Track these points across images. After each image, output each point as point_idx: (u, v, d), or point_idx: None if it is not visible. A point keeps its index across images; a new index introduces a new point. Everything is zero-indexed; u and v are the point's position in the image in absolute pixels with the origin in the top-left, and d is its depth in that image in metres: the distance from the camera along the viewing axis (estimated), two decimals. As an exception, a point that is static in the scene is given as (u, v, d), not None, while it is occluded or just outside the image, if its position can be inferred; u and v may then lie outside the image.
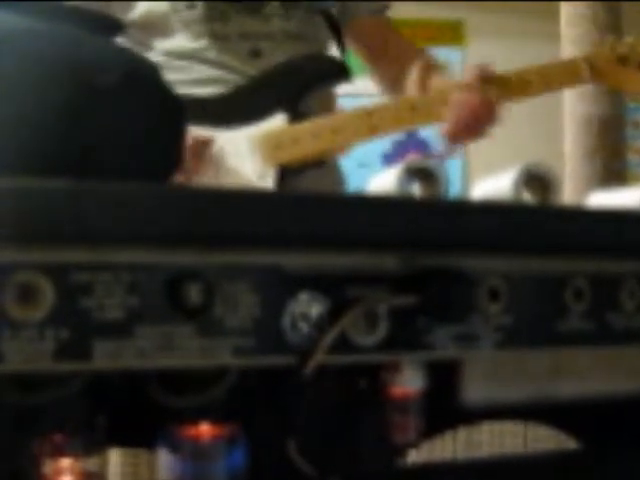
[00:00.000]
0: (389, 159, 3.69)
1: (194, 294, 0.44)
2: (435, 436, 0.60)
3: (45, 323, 0.41)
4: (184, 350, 0.44)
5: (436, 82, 1.33)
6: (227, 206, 0.45)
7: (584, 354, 0.59)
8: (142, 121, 0.53)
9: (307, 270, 0.48)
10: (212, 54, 1.28)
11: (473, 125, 1.25)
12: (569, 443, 0.66)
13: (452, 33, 3.87)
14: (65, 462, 0.47)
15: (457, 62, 3.74)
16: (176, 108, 0.55)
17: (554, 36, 2.44)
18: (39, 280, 0.41)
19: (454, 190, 3.65)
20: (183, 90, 1.27)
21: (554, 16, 2.48)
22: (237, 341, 0.46)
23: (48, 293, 0.41)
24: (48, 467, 0.46)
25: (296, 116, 1.27)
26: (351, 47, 1.46)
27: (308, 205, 0.47)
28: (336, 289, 0.48)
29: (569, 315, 0.55)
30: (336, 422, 0.56)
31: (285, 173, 1.26)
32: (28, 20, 0.49)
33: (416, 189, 0.56)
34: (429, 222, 0.50)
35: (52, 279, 0.42)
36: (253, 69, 1.28)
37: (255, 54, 1.28)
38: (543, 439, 0.65)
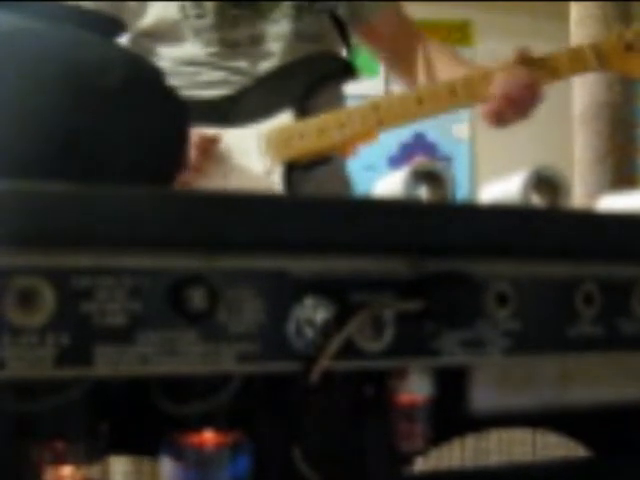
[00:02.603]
0: (395, 162, 3.69)
1: (197, 299, 0.44)
2: (443, 444, 0.59)
3: (46, 328, 0.41)
4: (187, 356, 0.44)
5: (470, 67, 1.34)
6: (231, 210, 0.44)
7: (594, 360, 0.58)
8: (144, 123, 0.52)
9: (312, 275, 0.47)
10: (222, 60, 1.29)
11: (520, 103, 1.25)
12: (579, 451, 0.65)
13: (460, 33, 3.87)
14: (66, 470, 0.46)
15: (466, 62, 3.74)
16: (179, 109, 0.55)
17: (563, 36, 2.43)
18: (39, 284, 0.41)
19: (462, 193, 3.65)
20: (192, 93, 1.29)
21: (563, 16, 2.48)
22: (241, 347, 0.45)
23: (49, 298, 0.41)
24: (49, 475, 0.46)
25: (303, 115, 1.27)
26: (368, 48, 1.47)
27: (313, 209, 0.47)
28: (342, 294, 0.47)
29: (579, 320, 0.54)
30: (342, 429, 0.55)
31: (292, 170, 1.27)
32: (28, 20, 0.49)
33: (423, 192, 0.56)
34: (436, 226, 0.49)
35: (53, 283, 0.41)
36: (263, 71, 1.28)
37: (267, 55, 1.29)
38: (552, 447, 0.64)
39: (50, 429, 0.46)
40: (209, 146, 1.25)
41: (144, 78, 0.52)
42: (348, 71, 1.34)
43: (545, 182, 0.58)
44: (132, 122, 0.51)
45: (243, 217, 0.45)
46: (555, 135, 3.17)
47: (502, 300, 0.52)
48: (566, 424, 0.64)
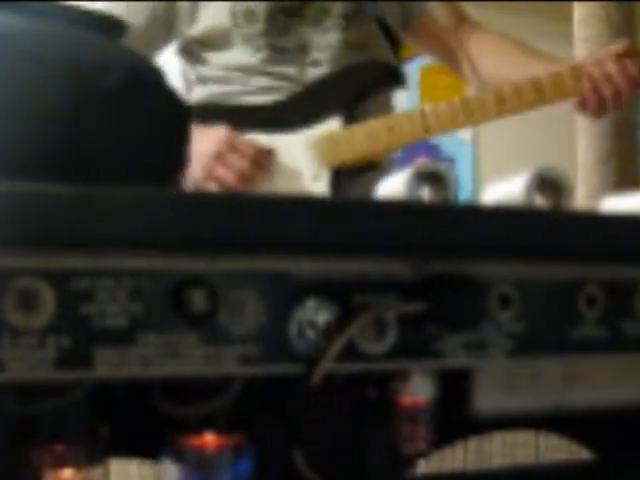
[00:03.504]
0: (398, 163, 3.69)
1: (198, 301, 0.44)
2: (445, 446, 0.59)
3: (46, 330, 0.41)
4: (188, 358, 0.44)
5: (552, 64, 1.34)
6: (232, 211, 0.44)
7: (598, 362, 0.58)
8: (145, 123, 0.52)
9: (314, 276, 0.47)
10: (271, 66, 1.30)
11: (613, 96, 1.25)
12: (583, 454, 0.65)
13: (463, 34, 3.86)
14: (67, 472, 0.46)
15: (469, 64, 3.73)
16: (180, 110, 0.55)
17: (566, 36, 2.43)
18: (40, 286, 0.41)
19: (464, 194, 3.64)
20: (241, 99, 1.30)
21: (566, 16, 2.47)
22: (242, 349, 0.45)
23: (49, 299, 0.41)
24: (49, 478, 0.46)
25: (351, 121, 1.29)
26: (424, 50, 1.48)
27: (315, 210, 0.46)
28: (344, 296, 0.47)
29: (582, 322, 0.54)
30: (344, 431, 0.55)
31: (339, 175, 1.28)
32: (29, 21, 0.49)
33: (425, 193, 0.56)
34: (439, 227, 0.49)
35: (53, 285, 0.41)
36: (312, 78, 1.29)
37: (316, 64, 1.30)
38: (556, 449, 0.64)
39: (50, 431, 0.46)
40: (263, 159, 1.26)
41: (146, 79, 0.52)
42: (396, 79, 1.35)
43: (548, 183, 0.57)
44: (133, 123, 0.51)
45: (244, 218, 0.44)
46: (558, 136, 3.17)
47: (505, 302, 0.51)
48: (569, 426, 0.64)
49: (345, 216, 0.47)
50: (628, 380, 0.60)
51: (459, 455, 0.60)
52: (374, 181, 1.36)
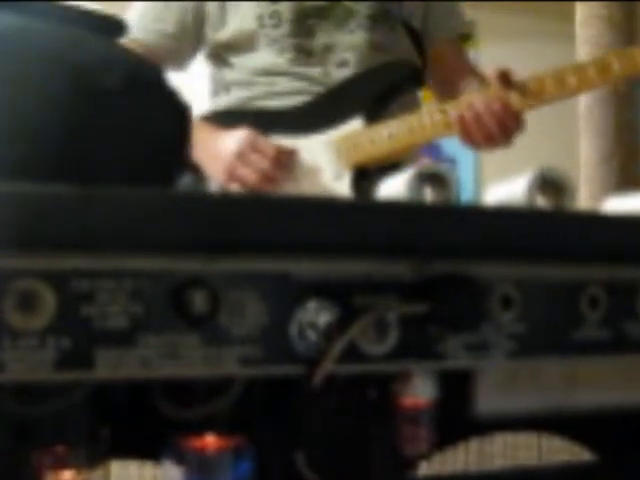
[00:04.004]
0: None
1: (199, 302, 0.43)
2: (447, 448, 0.59)
3: (46, 331, 0.40)
4: (189, 359, 0.43)
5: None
6: (233, 212, 0.44)
7: (600, 363, 0.57)
8: (145, 123, 0.52)
9: (315, 277, 0.47)
10: (297, 67, 1.30)
11: (486, 135, 1.24)
12: (584, 455, 0.65)
13: (465, 34, 3.85)
14: (67, 474, 0.46)
15: (469, 64, 3.73)
16: (181, 110, 0.54)
17: (568, 36, 2.43)
18: (40, 287, 0.40)
19: (466, 195, 3.64)
20: (267, 103, 1.30)
21: (568, 16, 2.47)
22: (243, 350, 0.45)
23: (49, 301, 0.40)
24: (49, 479, 0.46)
25: (374, 122, 1.29)
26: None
27: (316, 211, 0.46)
28: (345, 297, 0.47)
29: (584, 323, 0.54)
30: (345, 433, 0.55)
31: (362, 175, 1.28)
32: (29, 21, 0.49)
33: (427, 194, 0.55)
34: (440, 228, 0.49)
35: (53, 286, 0.41)
36: (337, 79, 1.29)
37: (341, 65, 1.30)
38: (558, 451, 0.64)
39: (50, 433, 0.46)
40: (285, 159, 1.26)
41: (146, 79, 0.52)
42: (420, 80, 1.35)
43: (550, 184, 0.57)
44: (133, 123, 0.51)
45: (245, 219, 0.44)
46: (560, 136, 3.17)
47: (507, 303, 0.51)
48: (572, 428, 0.64)
49: (346, 217, 0.47)
50: (630, 381, 0.60)
51: (461, 456, 0.59)
52: None
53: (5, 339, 0.40)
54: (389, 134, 1.27)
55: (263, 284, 0.45)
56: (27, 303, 0.40)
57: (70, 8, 0.51)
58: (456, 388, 0.54)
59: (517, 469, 0.62)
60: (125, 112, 0.50)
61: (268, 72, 1.32)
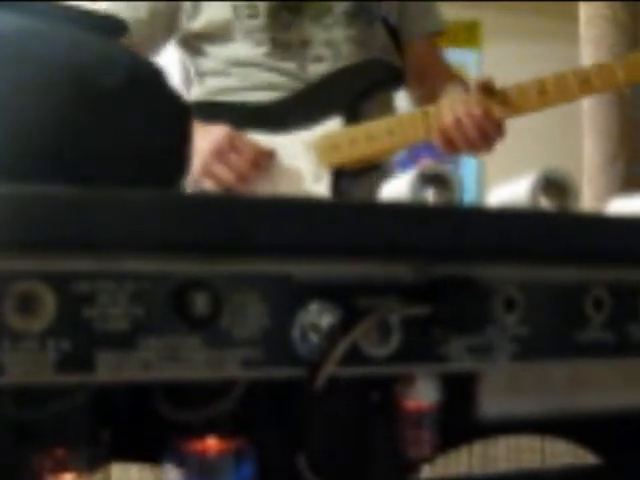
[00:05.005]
0: (402, 164, 3.68)
1: (201, 304, 0.43)
2: (450, 451, 0.59)
3: (46, 334, 0.40)
4: (190, 362, 0.43)
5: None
6: (234, 213, 0.44)
7: (604, 366, 0.57)
8: (146, 125, 0.51)
9: (317, 279, 0.46)
10: (272, 61, 1.29)
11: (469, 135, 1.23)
12: (588, 458, 0.65)
13: (467, 34, 3.84)
14: (68, 477, 0.46)
15: (473, 64, 3.72)
16: (181, 111, 0.54)
17: (571, 37, 2.42)
18: (40, 289, 0.40)
19: (469, 196, 3.63)
20: (242, 96, 1.29)
21: (572, 16, 2.47)
22: (245, 352, 0.44)
23: (49, 303, 0.40)
24: (50, 482, 0.45)
25: (353, 121, 1.27)
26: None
27: (318, 212, 0.46)
28: (347, 299, 0.47)
29: (588, 326, 0.53)
30: (347, 436, 0.55)
31: (340, 176, 1.27)
32: (29, 21, 0.49)
33: (430, 195, 0.55)
34: (443, 229, 0.48)
35: (53, 288, 0.40)
36: (314, 75, 1.29)
37: (317, 60, 1.29)
38: (561, 454, 0.63)
39: (51, 436, 0.46)
40: (263, 161, 1.25)
41: (146, 79, 0.52)
42: (399, 78, 1.34)
43: (554, 185, 0.57)
44: (134, 123, 0.50)
45: (247, 220, 0.44)
46: (564, 137, 3.16)
47: (510, 305, 0.51)
48: (575, 431, 0.63)
49: (348, 218, 0.46)
50: (635, 384, 0.59)
51: (464, 460, 0.59)
52: (375, 182, 1.35)
53: (5, 341, 0.39)
54: (368, 135, 1.26)
55: (265, 286, 0.45)
56: (27, 305, 0.40)
57: (71, 8, 0.51)
58: (459, 391, 0.54)
59: (521, 472, 0.62)
60: (126, 112, 0.50)
61: (243, 63, 1.31)
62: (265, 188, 1.27)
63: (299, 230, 0.45)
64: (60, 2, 0.54)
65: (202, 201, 0.44)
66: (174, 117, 0.54)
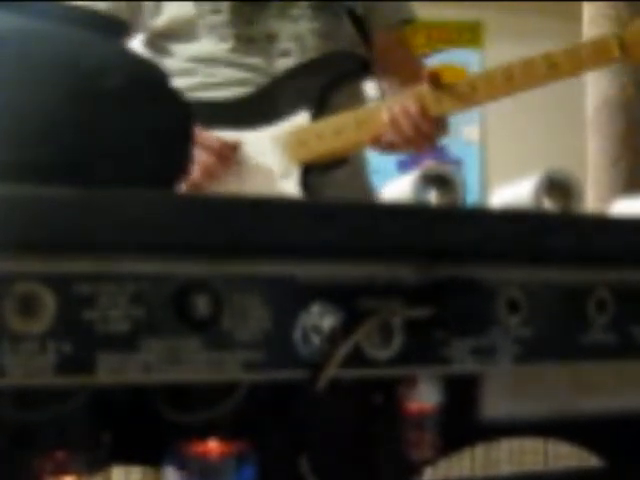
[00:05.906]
0: (404, 165, 3.68)
1: (202, 306, 0.43)
2: (452, 453, 0.58)
3: (47, 336, 0.40)
4: (191, 364, 0.43)
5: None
6: (236, 215, 0.44)
7: (607, 368, 0.57)
8: (148, 126, 0.51)
9: (319, 281, 0.46)
10: (238, 56, 1.28)
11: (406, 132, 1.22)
12: (591, 460, 0.64)
13: (470, 34, 3.85)
14: (68, 480, 0.45)
15: (475, 64, 3.73)
16: (183, 112, 0.54)
17: (574, 36, 2.42)
18: (40, 291, 0.40)
19: (472, 197, 3.63)
20: (207, 93, 1.28)
21: (574, 16, 2.47)
22: (247, 355, 0.44)
23: (50, 304, 0.40)
24: (50, 485, 0.45)
25: (321, 114, 1.27)
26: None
27: (320, 214, 0.46)
28: (349, 301, 0.47)
29: (591, 327, 0.53)
30: (350, 438, 0.54)
31: (309, 172, 1.26)
32: (30, 21, 0.48)
33: (432, 196, 0.55)
34: (446, 231, 0.48)
35: (54, 290, 0.40)
36: (281, 69, 1.28)
37: (284, 54, 1.28)
38: (564, 456, 0.63)
39: (51, 438, 0.46)
40: (228, 153, 1.24)
41: (147, 79, 0.52)
42: (367, 69, 1.33)
43: (557, 186, 0.57)
44: (134, 124, 0.50)
45: (248, 222, 0.44)
46: (567, 138, 3.16)
47: (513, 307, 0.51)
48: (578, 433, 0.63)
49: (350, 220, 0.46)
50: (638, 386, 0.59)
51: (466, 462, 0.59)
52: (346, 178, 1.33)
53: (5, 343, 0.39)
54: (336, 130, 1.25)
55: (266, 287, 0.45)
56: (27, 307, 0.40)
57: (73, 8, 0.51)
58: (462, 393, 0.54)
59: (523, 475, 0.61)
60: (128, 112, 0.49)
61: (208, 61, 1.29)
62: (233, 185, 1.25)
63: (300, 231, 0.45)
64: (60, 2, 0.53)
65: (203, 202, 0.44)
66: (175, 117, 0.54)
